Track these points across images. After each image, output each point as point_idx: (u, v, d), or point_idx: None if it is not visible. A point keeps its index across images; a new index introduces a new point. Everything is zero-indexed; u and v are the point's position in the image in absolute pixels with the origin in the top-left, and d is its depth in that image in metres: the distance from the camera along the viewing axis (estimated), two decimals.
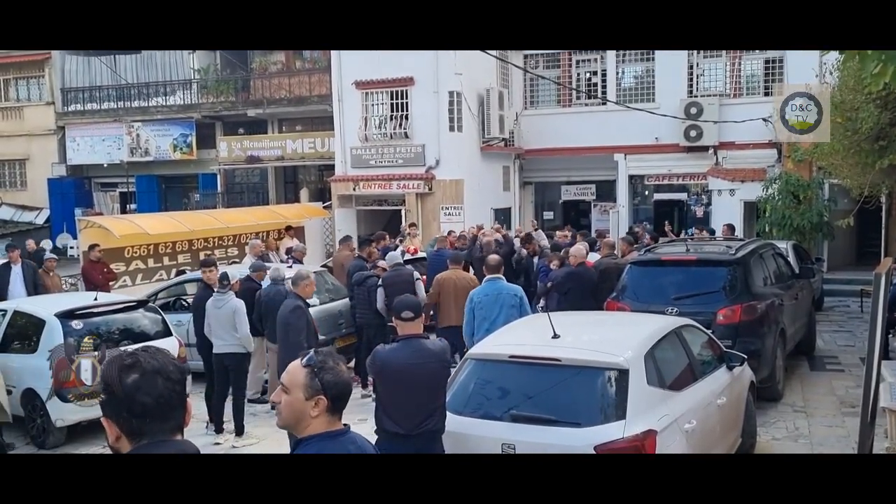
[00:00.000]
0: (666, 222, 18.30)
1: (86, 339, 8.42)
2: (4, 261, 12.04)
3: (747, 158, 19.03)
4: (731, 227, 15.41)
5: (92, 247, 13.24)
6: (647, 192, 21.92)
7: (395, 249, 13.25)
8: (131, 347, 2.09)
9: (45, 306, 9.08)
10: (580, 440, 4.85)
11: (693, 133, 19.22)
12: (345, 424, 2.65)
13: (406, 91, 19.14)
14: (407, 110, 19.24)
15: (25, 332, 8.87)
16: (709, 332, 7.18)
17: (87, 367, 8.18)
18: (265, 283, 9.77)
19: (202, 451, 2.07)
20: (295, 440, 2.61)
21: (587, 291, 9.32)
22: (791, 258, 12.14)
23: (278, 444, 7.70)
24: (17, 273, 11.59)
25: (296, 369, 2.58)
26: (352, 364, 10.64)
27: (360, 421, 8.03)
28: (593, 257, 10.72)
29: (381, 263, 10.27)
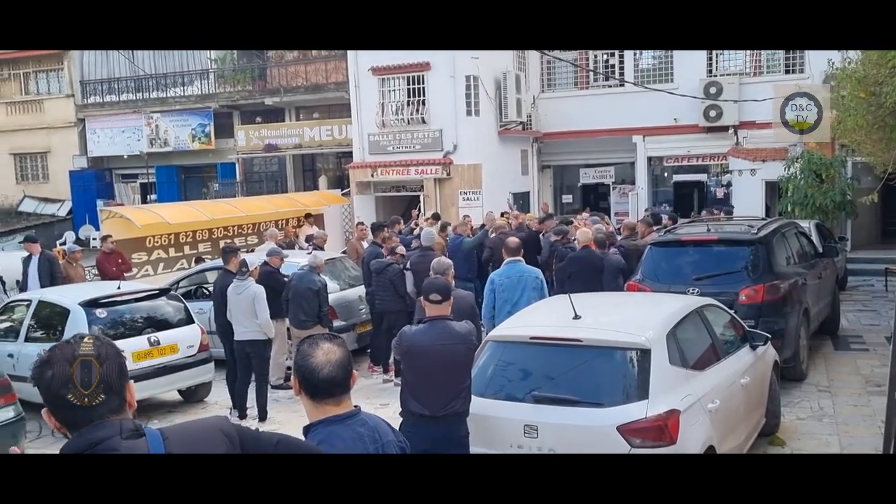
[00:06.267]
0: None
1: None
2: (28, 253, 12.18)
3: (768, 137, 18.80)
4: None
5: (104, 238, 13.33)
6: (666, 174, 21.76)
7: (409, 235, 13.25)
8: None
9: (69, 295, 9.18)
10: (603, 420, 4.83)
11: (713, 113, 19.01)
12: (355, 406, 2.64)
13: (423, 76, 19.09)
14: (424, 95, 19.19)
15: (50, 322, 8.99)
16: (731, 311, 7.11)
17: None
18: (285, 269, 9.81)
19: None
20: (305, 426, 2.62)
21: (592, 275, 9.17)
22: (814, 237, 12.00)
23: (301, 429, 7.73)
24: (34, 265, 11.73)
25: None
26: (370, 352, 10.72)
27: (382, 406, 8.10)
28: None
29: (400, 249, 10.27)
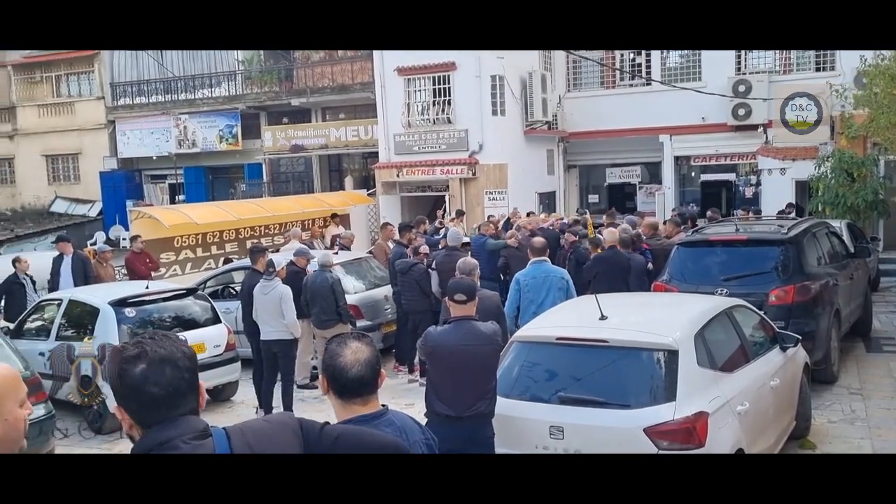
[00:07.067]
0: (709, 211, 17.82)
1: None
2: (59, 253, 12.36)
3: (799, 136, 18.53)
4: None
5: (134, 238, 13.49)
6: (693, 174, 21.54)
7: (434, 234, 13.26)
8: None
9: (98, 295, 9.29)
10: (629, 422, 4.78)
11: (741, 111, 18.79)
12: (383, 405, 2.63)
13: (448, 76, 19.07)
14: (449, 95, 19.18)
15: (80, 321, 9.08)
16: (761, 313, 7.02)
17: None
18: (311, 267, 9.84)
19: None
20: None
21: (617, 276, 9.07)
22: (846, 237, 11.80)
23: None
24: (67, 264, 11.89)
25: None
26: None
27: (407, 406, 8.09)
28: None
29: (423, 249, 10.27)
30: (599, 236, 10.73)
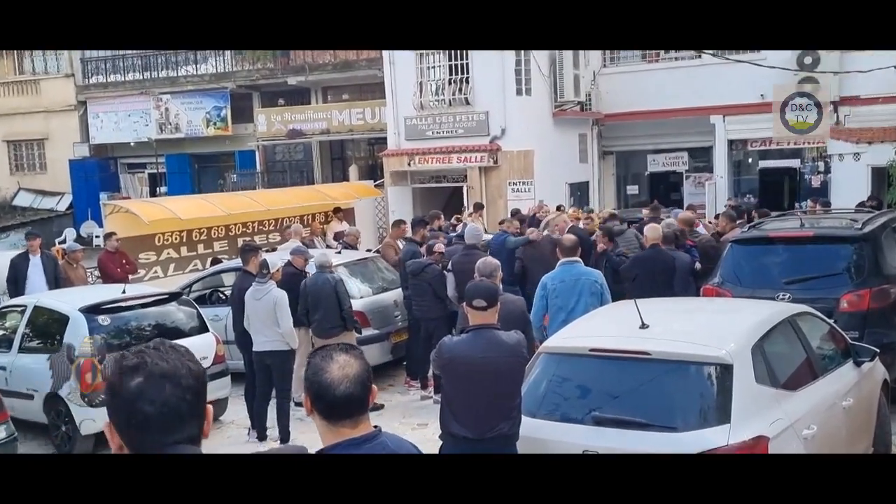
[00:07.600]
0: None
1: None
2: (22, 251, 12.40)
3: (876, 115, 18.40)
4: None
5: (109, 235, 13.55)
6: (750, 160, 21.42)
7: (452, 231, 13.30)
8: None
9: (68, 301, 9.33)
10: (676, 447, 4.75)
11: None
12: (375, 426, 2.63)
13: (466, 51, 19.06)
14: (468, 73, 19.18)
15: (47, 330, 9.14)
16: (830, 321, 6.97)
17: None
18: (310, 269, 9.89)
19: None
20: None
21: (659, 279, 9.02)
22: None
23: None
24: (35, 265, 11.86)
25: None
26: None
27: (420, 426, 8.10)
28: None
29: (438, 247, 10.29)
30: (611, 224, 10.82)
